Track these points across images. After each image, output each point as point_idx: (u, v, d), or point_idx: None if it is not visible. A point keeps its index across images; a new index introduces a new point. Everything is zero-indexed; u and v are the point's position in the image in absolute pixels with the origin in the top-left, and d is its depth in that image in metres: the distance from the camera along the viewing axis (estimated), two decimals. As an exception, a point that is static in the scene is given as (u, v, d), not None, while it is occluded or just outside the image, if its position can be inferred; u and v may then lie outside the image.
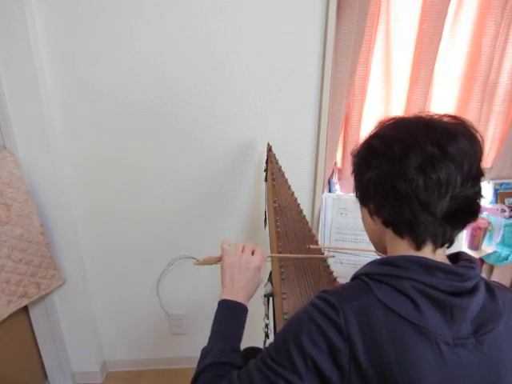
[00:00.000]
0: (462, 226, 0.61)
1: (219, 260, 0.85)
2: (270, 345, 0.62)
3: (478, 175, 0.58)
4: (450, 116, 0.60)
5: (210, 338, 0.73)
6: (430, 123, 0.59)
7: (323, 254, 1.05)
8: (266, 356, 0.60)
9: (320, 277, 0.98)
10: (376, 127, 0.65)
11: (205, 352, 0.70)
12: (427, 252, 0.61)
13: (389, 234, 0.64)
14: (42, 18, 1.18)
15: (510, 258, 1.50)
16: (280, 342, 0.60)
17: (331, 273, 1.01)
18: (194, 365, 0.70)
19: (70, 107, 1.30)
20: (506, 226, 1.49)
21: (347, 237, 1.44)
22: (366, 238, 0.73)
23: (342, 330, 0.55)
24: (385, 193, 0.60)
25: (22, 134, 1.26)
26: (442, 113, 0.61)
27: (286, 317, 0.84)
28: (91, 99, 1.29)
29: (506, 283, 1.69)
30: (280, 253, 0.96)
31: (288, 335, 0.59)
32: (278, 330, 0.87)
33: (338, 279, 1.00)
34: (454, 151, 0.56)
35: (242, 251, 0.83)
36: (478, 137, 0.59)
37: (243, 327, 0.76)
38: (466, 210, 0.59)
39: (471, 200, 0.58)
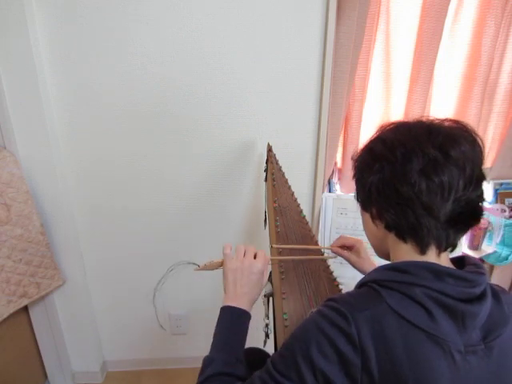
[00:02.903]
0: (465, 230, 0.61)
1: (221, 265, 0.83)
2: (275, 357, 0.60)
3: (479, 179, 0.58)
4: (451, 120, 0.60)
5: (213, 347, 0.71)
6: (431, 127, 0.59)
7: (323, 254, 1.05)
8: (272, 369, 0.58)
9: (320, 277, 0.98)
10: (377, 131, 0.65)
11: (207, 362, 0.68)
12: (432, 256, 0.60)
13: (391, 239, 0.64)
14: (42, 18, 1.18)
15: (510, 258, 1.49)
16: (287, 354, 0.58)
17: (331, 273, 1.02)
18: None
19: (70, 107, 1.30)
20: (506, 226, 1.48)
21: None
22: (366, 238, 0.73)
23: (354, 341, 0.54)
24: (387, 196, 0.60)
25: (22, 134, 1.26)
26: (443, 117, 0.61)
27: (285, 317, 0.84)
28: (91, 99, 1.29)
29: (506, 283, 1.69)
30: (280, 253, 0.96)
31: (295, 347, 0.58)
32: (278, 330, 0.87)
33: (337, 279, 1.00)
34: (456, 155, 0.56)
35: (244, 255, 0.80)
36: (479, 141, 0.59)
37: (246, 334, 0.74)
38: (469, 214, 0.58)
39: (474, 203, 0.58)
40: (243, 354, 0.72)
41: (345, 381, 0.54)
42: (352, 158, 0.68)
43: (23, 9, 1.12)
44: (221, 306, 0.77)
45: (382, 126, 0.65)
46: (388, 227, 0.62)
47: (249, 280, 0.77)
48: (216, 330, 0.73)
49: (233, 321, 0.73)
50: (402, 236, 0.61)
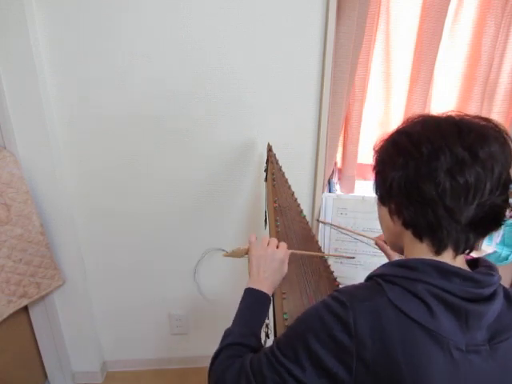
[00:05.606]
0: (485, 234, 0.59)
1: (246, 252, 0.90)
2: (280, 336, 0.64)
3: (507, 182, 0.56)
4: (481, 118, 0.58)
5: (234, 321, 0.77)
6: (461, 124, 0.57)
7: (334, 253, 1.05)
8: (275, 346, 0.63)
9: (320, 277, 0.98)
10: (403, 123, 0.62)
11: (227, 333, 0.75)
12: (447, 257, 0.59)
13: (407, 236, 0.62)
14: (42, 18, 1.18)
15: (510, 258, 1.49)
16: (289, 335, 0.63)
17: (331, 273, 1.02)
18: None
19: (70, 107, 1.30)
20: (506, 225, 1.48)
21: (347, 237, 1.44)
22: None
23: (350, 329, 0.55)
24: (409, 194, 0.58)
25: (22, 134, 1.26)
26: (473, 114, 0.58)
27: (286, 317, 0.84)
28: (91, 99, 1.29)
29: (506, 283, 1.69)
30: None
31: (297, 331, 0.61)
32: (278, 330, 0.87)
33: (338, 279, 1.00)
34: (484, 156, 0.53)
35: (268, 244, 0.87)
36: (510, 142, 0.56)
37: (266, 315, 0.80)
38: (492, 219, 0.56)
39: (498, 208, 0.56)
40: (260, 330, 0.78)
41: (339, 368, 0.55)
42: (373, 149, 0.66)
43: (23, 9, 1.12)
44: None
45: (408, 118, 0.62)
46: (405, 224, 0.61)
47: (271, 266, 0.84)
48: (238, 307, 0.79)
49: (253, 300, 0.79)
50: (419, 235, 0.60)
